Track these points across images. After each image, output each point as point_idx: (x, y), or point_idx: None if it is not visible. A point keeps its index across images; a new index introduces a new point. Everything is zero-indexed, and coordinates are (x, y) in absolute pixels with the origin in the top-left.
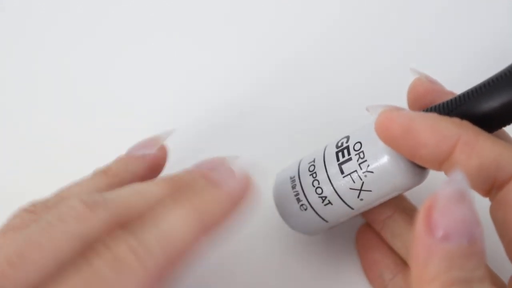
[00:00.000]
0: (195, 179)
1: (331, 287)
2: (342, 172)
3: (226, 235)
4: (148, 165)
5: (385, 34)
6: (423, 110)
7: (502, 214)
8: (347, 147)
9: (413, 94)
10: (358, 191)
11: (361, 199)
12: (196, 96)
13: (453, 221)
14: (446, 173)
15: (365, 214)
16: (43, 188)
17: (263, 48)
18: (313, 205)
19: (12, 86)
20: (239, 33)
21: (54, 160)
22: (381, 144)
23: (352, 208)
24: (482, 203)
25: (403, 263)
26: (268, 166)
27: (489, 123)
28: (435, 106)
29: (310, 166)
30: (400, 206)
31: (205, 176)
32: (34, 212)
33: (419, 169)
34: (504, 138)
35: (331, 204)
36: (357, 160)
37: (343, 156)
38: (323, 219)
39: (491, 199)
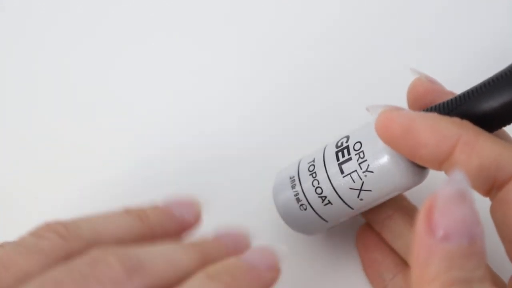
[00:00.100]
0: (226, 259)
1: (331, 287)
2: (342, 172)
3: None
4: (182, 229)
5: (385, 34)
6: (423, 110)
7: (502, 214)
8: (347, 147)
9: (413, 94)
10: (358, 191)
11: (361, 199)
12: (196, 96)
13: (454, 221)
14: (446, 173)
15: (365, 214)
16: (43, 188)
17: (263, 48)
18: (312, 205)
19: (12, 86)
20: (239, 33)
21: (54, 160)
22: (381, 144)
23: (352, 208)
24: (482, 203)
25: (403, 263)
26: (268, 166)
27: (489, 123)
28: (435, 106)
29: (309, 166)
30: (400, 206)
31: (240, 258)
32: (65, 239)
33: (419, 169)
34: (504, 138)
35: (331, 204)
36: (357, 160)
37: (343, 156)
38: (323, 219)
39: (491, 199)
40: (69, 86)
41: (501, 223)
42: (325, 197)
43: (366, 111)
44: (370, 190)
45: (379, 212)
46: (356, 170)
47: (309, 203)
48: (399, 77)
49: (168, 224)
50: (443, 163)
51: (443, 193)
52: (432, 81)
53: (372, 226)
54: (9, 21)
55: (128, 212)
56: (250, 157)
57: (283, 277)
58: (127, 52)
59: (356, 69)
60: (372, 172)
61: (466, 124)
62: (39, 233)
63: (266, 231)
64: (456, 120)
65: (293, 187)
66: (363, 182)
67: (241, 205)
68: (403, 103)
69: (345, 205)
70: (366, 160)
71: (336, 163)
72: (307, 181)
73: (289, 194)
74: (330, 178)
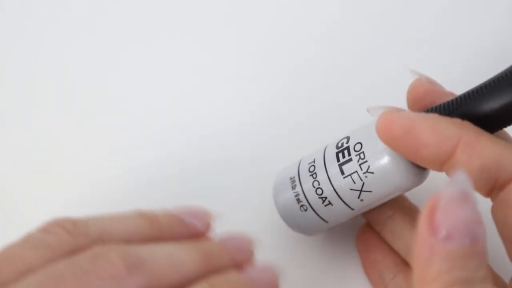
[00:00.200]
0: (227, 266)
1: (331, 287)
2: (342, 172)
3: None
4: (191, 236)
5: (385, 34)
6: (424, 111)
7: (504, 214)
8: (348, 148)
9: (413, 95)
10: (359, 192)
11: (362, 200)
12: (196, 96)
13: (456, 221)
14: (447, 174)
15: (366, 214)
16: (43, 188)
17: (263, 48)
18: (313, 206)
19: (12, 86)
20: (239, 33)
21: (54, 160)
22: (381, 144)
23: (353, 209)
24: (484, 204)
25: (403, 263)
26: (268, 166)
27: (490, 123)
28: (436, 107)
29: (310, 167)
30: (400, 206)
31: (242, 274)
32: (72, 235)
33: (420, 170)
34: (505, 138)
35: (331, 204)
36: (358, 161)
37: (344, 156)
38: (323, 219)
39: (492, 200)
40: (69, 86)
41: (502, 224)
42: (326, 198)
43: (366, 111)
44: (371, 191)
45: (380, 212)
46: (356, 171)
47: (309, 203)
48: (399, 77)
49: (178, 229)
50: (444, 164)
51: (445, 194)
52: (432, 82)
53: (372, 226)
54: (9, 21)
55: (139, 214)
56: (250, 157)
57: (283, 277)
58: (127, 52)
59: (356, 69)
60: (372, 173)
61: (467, 125)
62: (47, 229)
63: (266, 232)
64: (457, 121)
65: (293, 187)
66: (363, 183)
67: (241, 205)
68: (403, 103)
69: (346, 206)
70: (366, 161)
71: (337, 163)
72: (307, 182)
73: (289, 194)
74: (331, 179)
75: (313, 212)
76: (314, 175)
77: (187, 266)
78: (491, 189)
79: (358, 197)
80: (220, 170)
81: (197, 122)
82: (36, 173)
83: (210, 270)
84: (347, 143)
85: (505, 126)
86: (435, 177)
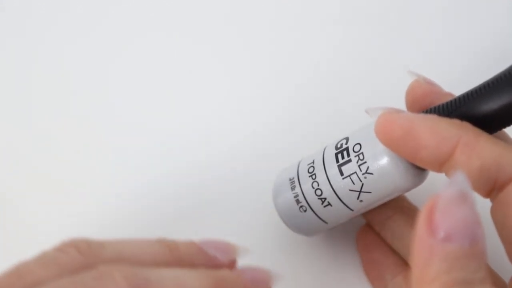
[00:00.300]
0: None
1: None
2: (341, 173)
3: None
4: (211, 267)
5: (385, 34)
6: (423, 112)
7: (503, 215)
8: (347, 149)
9: (411, 96)
10: (358, 193)
11: (361, 201)
12: (195, 96)
13: (455, 222)
14: (446, 174)
15: (365, 214)
16: (43, 189)
17: (262, 49)
18: (312, 207)
19: (11, 86)
20: (239, 34)
21: (54, 161)
22: (380, 145)
23: (352, 210)
24: (483, 204)
25: (403, 263)
26: (268, 167)
27: (489, 124)
28: (435, 108)
29: (309, 168)
30: (400, 207)
31: None
32: (84, 255)
33: (419, 171)
34: (505, 139)
35: (331, 205)
36: (357, 162)
37: (343, 157)
38: (322, 220)
39: (492, 200)
40: (69, 86)
41: (501, 224)
42: (325, 198)
43: (365, 112)
44: (370, 192)
45: (380, 213)
46: (355, 172)
47: (308, 204)
48: (399, 77)
49: (197, 259)
50: (443, 164)
51: (444, 194)
52: (430, 83)
53: (372, 227)
54: (9, 21)
55: (159, 241)
56: (250, 157)
57: (283, 278)
58: (128, 52)
59: (356, 70)
60: (371, 174)
61: (466, 125)
62: (61, 248)
63: (266, 232)
64: (456, 121)
65: (292, 188)
66: (362, 184)
67: (240, 206)
68: (402, 104)
69: (345, 206)
70: (365, 162)
71: (336, 164)
72: (306, 183)
73: (288, 195)
74: (330, 180)
75: (313, 212)
76: (313, 176)
77: None
78: (491, 189)
79: (358, 198)
80: (219, 170)
81: (197, 123)
82: (36, 173)
83: None
84: (346, 144)
85: (504, 126)
86: (434, 178)
